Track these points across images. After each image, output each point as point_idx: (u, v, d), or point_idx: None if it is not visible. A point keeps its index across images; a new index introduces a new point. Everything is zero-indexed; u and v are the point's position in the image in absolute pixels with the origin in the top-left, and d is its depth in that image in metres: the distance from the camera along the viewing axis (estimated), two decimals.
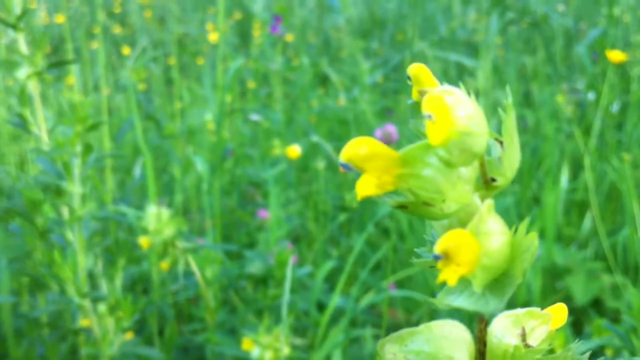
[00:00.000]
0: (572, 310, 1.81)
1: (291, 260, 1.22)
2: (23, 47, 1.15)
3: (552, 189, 1.87)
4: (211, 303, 1.34)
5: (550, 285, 1.97)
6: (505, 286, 0.27)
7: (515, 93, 2.99)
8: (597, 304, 1.90)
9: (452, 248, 0.26)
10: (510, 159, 0.28)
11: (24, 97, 1.15)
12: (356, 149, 0.27)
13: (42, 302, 1.33)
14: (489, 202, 0.28)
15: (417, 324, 1.48)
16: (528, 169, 2.34)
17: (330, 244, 1.93)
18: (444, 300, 0.28)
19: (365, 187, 0.27)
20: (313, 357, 1.37)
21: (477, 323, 0.30)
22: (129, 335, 1.32)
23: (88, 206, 0.97)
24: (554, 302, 1.29)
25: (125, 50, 2.99)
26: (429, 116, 0.25)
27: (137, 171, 1.99)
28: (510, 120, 0.29)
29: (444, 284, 0.28)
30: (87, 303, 1.02)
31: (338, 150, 1.95)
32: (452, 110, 0.26)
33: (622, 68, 2.81)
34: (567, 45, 3.47)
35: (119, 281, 1.22)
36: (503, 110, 0.28)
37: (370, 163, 0.27)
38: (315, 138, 1.97)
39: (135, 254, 1.53)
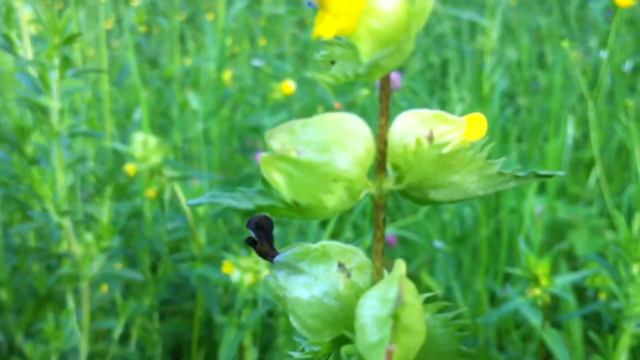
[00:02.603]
0: (574, 268, 1.78)
1: None
2: None
3: (554, 138, 1.84)
4: (201, 238, 1.34)
5: (552, 241, 1.94)
6: (397, 59, 0.25)
7: (529, 54, 2.94)
8: None
9: None
10: None
11: (10, 19, 1.13)
12: None
13: (31, 234, 1.34)
14: None
15: (415, 273, 1.46)
16: (536, 127, 2.30)
17: None
18: (330, 72, 0.26)
19: None
20: None
21: (378, 119, 0.28)
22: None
23: (66, 122, 0.96)
24: (556, 258, 1.26)
25: (134, 1, 2.96)
26: None
27: (137, 115, 1.98)
28: None
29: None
30: (66, 222, 1.01)
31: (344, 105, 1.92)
32: None
33: (635, 26, 2.75)
34: (582, 6, 3.40)
35: (106, 209, 1.21)
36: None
37: None
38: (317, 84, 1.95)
39: (128, 190, 1.52)
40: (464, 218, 1.90)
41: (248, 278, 1.01)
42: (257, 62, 1.88)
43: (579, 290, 1.65)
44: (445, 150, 0.27)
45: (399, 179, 0.29)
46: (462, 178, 0.28)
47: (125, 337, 1.34)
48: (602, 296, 1.29)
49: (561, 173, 0.29)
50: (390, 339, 0.24)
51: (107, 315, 1.23)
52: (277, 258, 0.32)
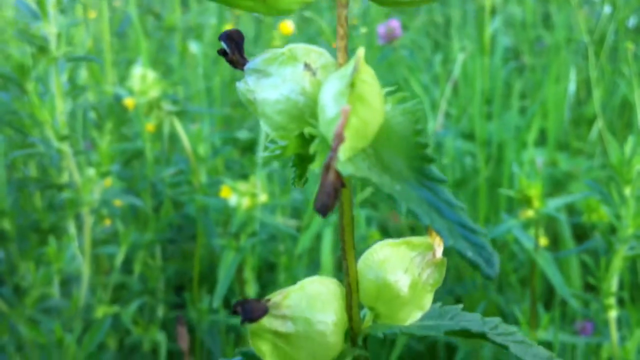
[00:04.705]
0: (576, 225, 1.79)
1: None
2: None
3: (554, 84, 1.83)
4: (202, 178, 1.35)
5: (553, 194, 1.95)
6: None
7: (534, 13, 2.93)
8: None
9: None
10: None
11: None
12: None
13: (33, 167, 1.35)
14: None
15: (418, 227, 1.46)
16: (539, 84, 2.30)
17: None
18: None
19: None
20: (304, 235, 1.38)
21: None
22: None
23: (63, 48, 0.97)
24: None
25: None
26: None
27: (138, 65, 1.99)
28: None
29: None
30: (66, 148, 1.03)
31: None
32: None
33: None
34: None
35: (105, 144, 1.23)
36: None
37: None
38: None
39: (128, 133, 1.54)
40: (464, 166, 1.91)
41: (245, 201, 1.02)
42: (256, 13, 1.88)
43: (579, 238, 1.67)
44: None
45: None
46: None
47: (128, 273, 1.37)
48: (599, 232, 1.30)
49: None
50: (347, 102, 0.26)
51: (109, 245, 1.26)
52: (247, 65, 0.34)
